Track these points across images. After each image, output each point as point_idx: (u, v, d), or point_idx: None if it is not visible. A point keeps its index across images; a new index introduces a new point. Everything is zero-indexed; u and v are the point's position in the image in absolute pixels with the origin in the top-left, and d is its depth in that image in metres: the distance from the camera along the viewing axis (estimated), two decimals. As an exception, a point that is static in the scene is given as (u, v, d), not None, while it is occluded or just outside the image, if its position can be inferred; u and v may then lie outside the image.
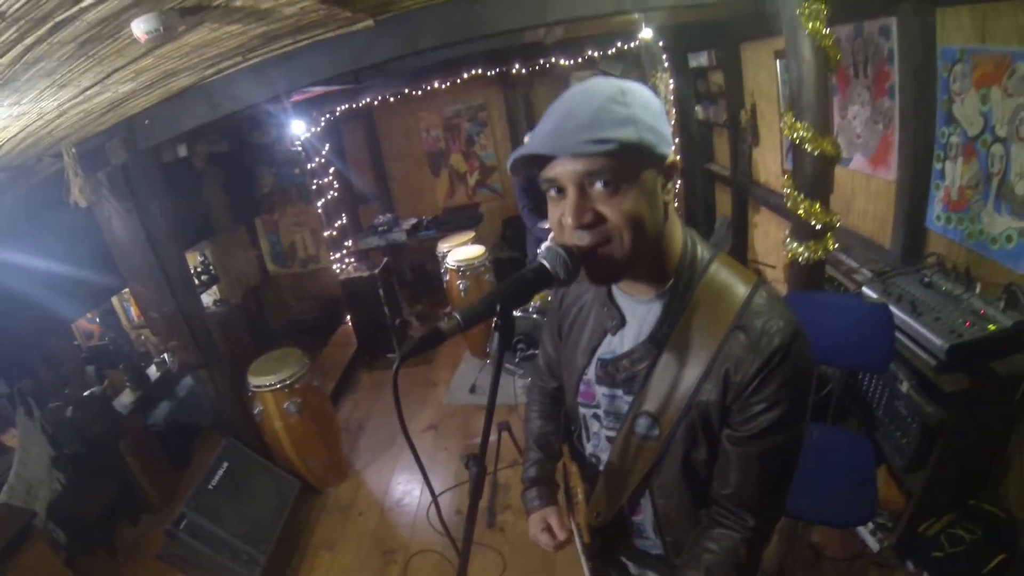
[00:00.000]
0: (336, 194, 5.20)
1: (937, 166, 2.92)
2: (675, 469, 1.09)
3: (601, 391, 1.17)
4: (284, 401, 3.11)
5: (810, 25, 2.54)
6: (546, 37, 4.60)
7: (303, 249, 5.82)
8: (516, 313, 3.91)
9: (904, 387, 2.53)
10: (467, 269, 4.52)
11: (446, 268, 4.67)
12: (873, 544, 2.65)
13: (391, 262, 4.97)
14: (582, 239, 0.92)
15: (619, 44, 5.00)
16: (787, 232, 2.92)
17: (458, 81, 5.14)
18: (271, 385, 3.08)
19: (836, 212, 2.78)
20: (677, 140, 5.58)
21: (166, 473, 3.72)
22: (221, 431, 3.32)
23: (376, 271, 4.65)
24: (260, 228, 5.81)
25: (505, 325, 0.95)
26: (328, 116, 5.25)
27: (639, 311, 1.08)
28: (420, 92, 5.33)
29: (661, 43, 5.05)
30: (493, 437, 3.34)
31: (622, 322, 1.10)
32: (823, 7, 2.48)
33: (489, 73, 5.15)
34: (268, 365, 3.18)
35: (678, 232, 1.05)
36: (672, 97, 5.37)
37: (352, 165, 5.85)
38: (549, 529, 1.33)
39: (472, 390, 4.30)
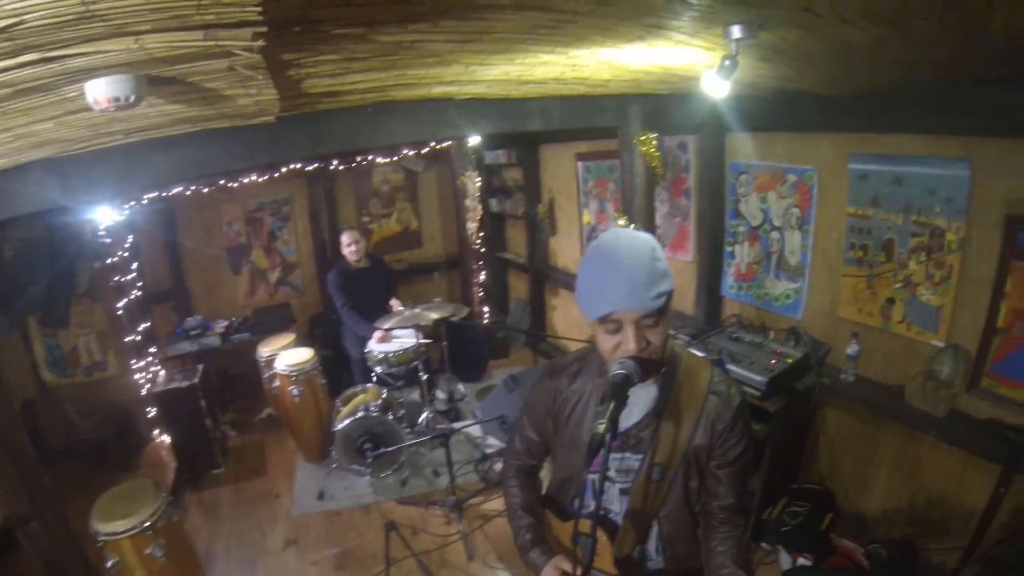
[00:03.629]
0: (139, 293, 4.44)
1: (728, 249, 3.83)
2: (678, 498, 1.49)
3: (612, 457, 1.48)
4: (147, 546, 2.53)
5: (643, 149, 3.20)
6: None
7: (87, 355, 4.74)
8: (358, 414, 3.83)
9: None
10: (299, 374, 4.21)
11: (274, 374, 4.29)
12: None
13: (205, 370, 4.39)
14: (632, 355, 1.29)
15: (434, 144, 5.38)
16: None
17: (267, 176, 4.95)
18: (129, 530, 2.49)
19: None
20: (481, 233, 6.10)
21: None
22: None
23: (196, 380, 4.07)
24: (34, 329, 4.57)
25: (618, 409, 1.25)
26: (135, 203, 4.53)
27: (640, 393, 1.43)
28: (226, 183, 4.95)
29: (470, 143, 5.57)
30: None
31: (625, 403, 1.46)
32: (654, 136, 3.17)
33: (293, 167, 5.04)
34: (118, 506, 2.56)
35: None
36: (478, 193, 5.89)
37: (147, 259, 5.05)
38: (565, 573, 1.56)
39: (321, 496, 3.97)
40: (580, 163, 5.17)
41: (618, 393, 1.24)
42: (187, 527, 3.68)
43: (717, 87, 1.74)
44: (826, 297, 3.38)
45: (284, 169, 4.86)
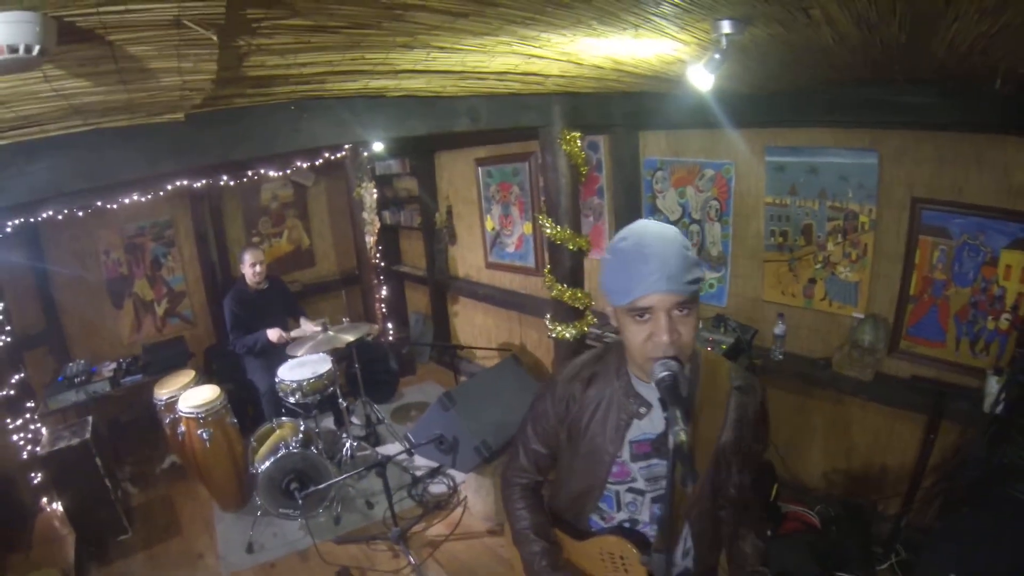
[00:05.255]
0: (6, 339, 3.71)
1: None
2: (707, 498, 1.43)
3: (637, 466, 1.42)
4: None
5: (567, 148, 3.19)
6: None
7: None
8: (279, 452, 3.51)
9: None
10: (207, 415, 3.70)
11: (178, 417, 3.72)
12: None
13: (97, 421, 3.77)
14: (667, 351, 1.20)
15: (327, 155, 5.08)
16: (548, 318, 3.48)
17: (148, 196, 4.41)
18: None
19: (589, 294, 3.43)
20: (381, 247, 5.84)
21: None
22: None
23: (87, 435, 3.44)
24: None
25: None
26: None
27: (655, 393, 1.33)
28: (99, 206, 4.32)
29: (366, 154, 5.32)
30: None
31: (649, 407, 1.37)
32: (578, 135, 3.16)
33: (178, 184, 4.52)
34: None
35: None
36: (375, 206, 5.64)
37: (12, 297, 4.23)
38: None
39: (250, 549, 3.49)
40: (480, 168, 5.11)
41: (676, 396, 1.15)
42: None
43: (703, 80, 1.75)
44: (749, 283, 3.56)
45: (169, 187, 4.34)
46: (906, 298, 2.94)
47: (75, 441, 3.43)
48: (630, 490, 1.45)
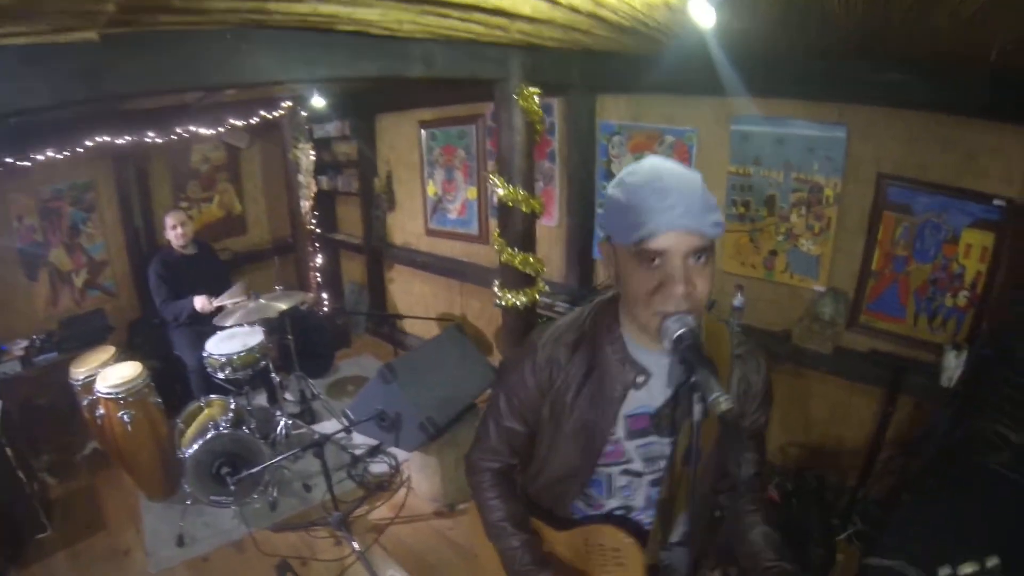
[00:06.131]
0: None
1: (600, 211, 3.77)
2: (709, 476, 1.26)
3: (633, 444, 1.24)
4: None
5: (524, 104, 3.02)
6: (200, 100, 4.05)
7: None
8: (207, 434, 3.27)
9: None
10: (127, 395, 3.32)
11: (96, 399, 3.34)
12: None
13: (6, 407, 3.34)
14: (680, 305, 1.02)
15: (262, 113, 4.73)
16: (496, 285, 3.32)
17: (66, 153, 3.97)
18: None
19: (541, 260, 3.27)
20: (316, 214, 5.53)
21: None
22: None
23: None
24: None
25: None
26: None
27: (663, 362, 1.18)
28: (10, 163, 3.85)
29: (304, 113, 4.99)
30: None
31: (647, 375, 1.19)
32: (536, 91, 2.99)
33: (100, 141, 4.09)
34: None
35: None
36: (312, 168, 5.32)
37: None
38: None
39: (180, 542, 3.20)
40: (424, 131, 4.86)
41: (701, 356, 0.98)
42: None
43: (704, 14, 1.59)
44: (709, 253, 3.47)
45: (89, 143, 3.90)
46: (868, 273, 2.91)
47: (-23, 434, 3.02)
48: (625, 472, 1.28)
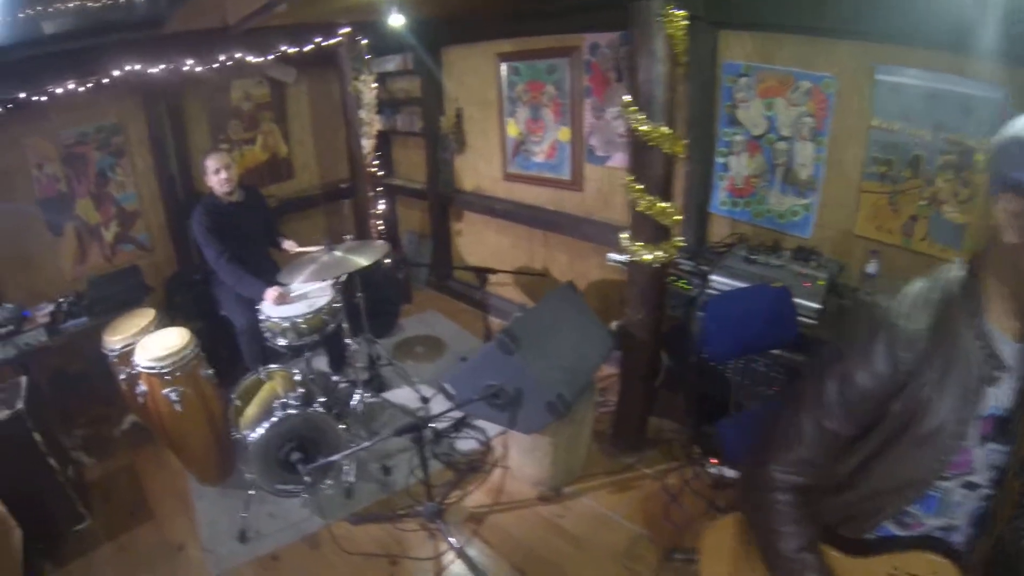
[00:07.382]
0: None
1: (721, 160, 3.33)
2: None
3: (985, 451, 1.04)
4: None
5: (670, 30, 2.53)
6: (235, 26, 3.51)
7: None
8: (274, 416, 2.80)
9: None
10: (175, 369, 2.86)
11: (136, 373, 2.89)
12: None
13: (33, 381, 2.92)
14: None
15: (318, 40, 4.23)
16: (626, 236, 2.88)
17: (85, 88, 3.43)
18: None
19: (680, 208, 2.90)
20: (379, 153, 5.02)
21: None
22: None
23: (20, 404, 2.60)
24: None
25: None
26: None
27: (1021, 355, 1.00)
28: (29, 105, 3.29)
29: (365, 41, 4.46)
30: None
31: (1003, 370, 1.01)
32: (682, 15, 2.48)
33: (128, 70, 3.48)
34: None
35: None
36: (375, 103, 4.80)
37: None
38: None
39: (243, 537, 2.82)
40: (504, 64, 4.36)
41: None
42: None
43: None
44: (841, 213, 3.10)
45: (116, 73, 3.33)
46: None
47: (4, 414, 2.60)
48: (965, 485, 1.07)
